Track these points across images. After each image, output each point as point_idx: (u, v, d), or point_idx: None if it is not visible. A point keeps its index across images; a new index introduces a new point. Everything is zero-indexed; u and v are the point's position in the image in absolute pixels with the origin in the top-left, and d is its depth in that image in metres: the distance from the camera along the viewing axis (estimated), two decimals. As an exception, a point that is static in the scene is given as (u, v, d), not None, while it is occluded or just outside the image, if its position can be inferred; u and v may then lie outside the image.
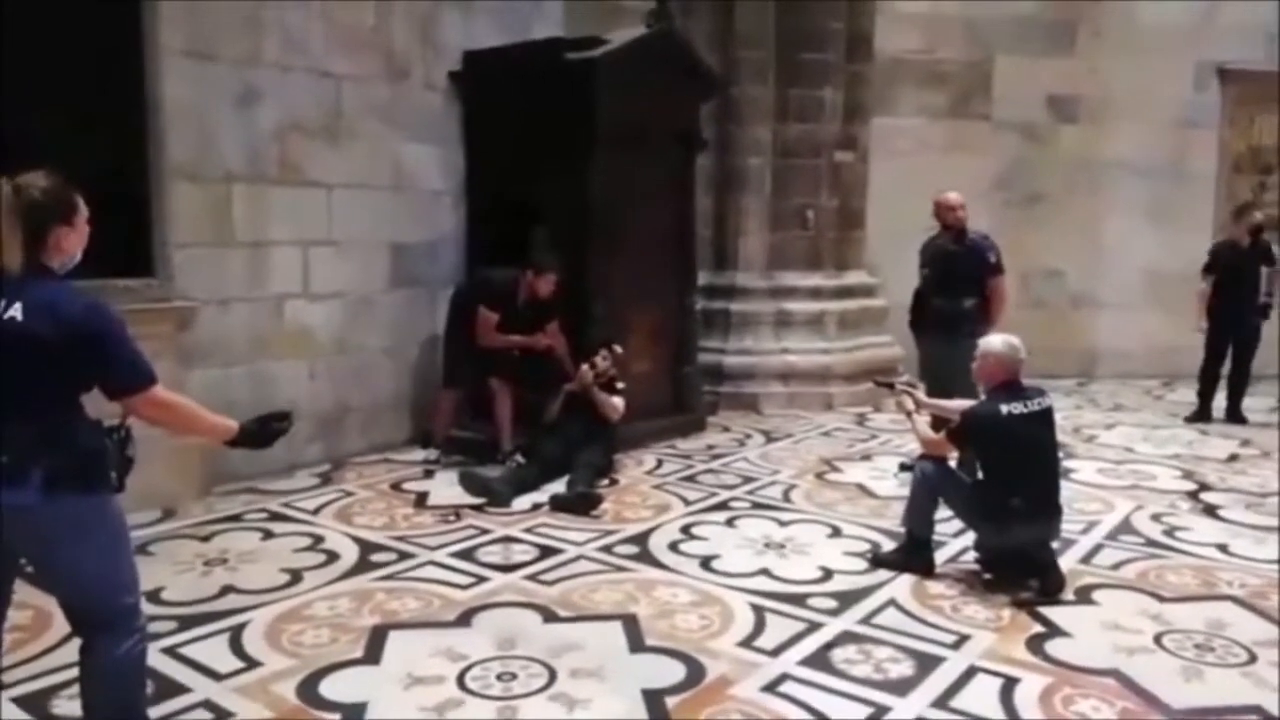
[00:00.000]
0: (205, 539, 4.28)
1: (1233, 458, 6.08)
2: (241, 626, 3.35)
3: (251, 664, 3.09)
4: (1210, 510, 4.95)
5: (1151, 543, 4.42)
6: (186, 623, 3.37)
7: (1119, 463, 5.91)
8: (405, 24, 5.85)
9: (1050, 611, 3.57)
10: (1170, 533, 4.56)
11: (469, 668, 3.06)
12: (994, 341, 3.82)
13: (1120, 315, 8.95)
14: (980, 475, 3.88)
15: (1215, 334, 6.99)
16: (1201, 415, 7.11)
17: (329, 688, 2.93)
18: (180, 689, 2.91)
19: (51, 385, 2.08)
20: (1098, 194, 8.88)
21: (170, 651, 3.15)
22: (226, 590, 3.69)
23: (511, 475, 5.05)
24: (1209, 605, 3.68)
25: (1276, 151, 9.08)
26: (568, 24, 6.59)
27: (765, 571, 3.97)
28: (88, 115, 4.33)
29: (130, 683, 2.28)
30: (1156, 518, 4.78)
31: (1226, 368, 7.10)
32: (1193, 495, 5.21)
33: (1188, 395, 7.46)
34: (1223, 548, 4.34)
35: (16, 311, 2.03)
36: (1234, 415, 7.03)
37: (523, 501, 4.86)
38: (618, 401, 5.46)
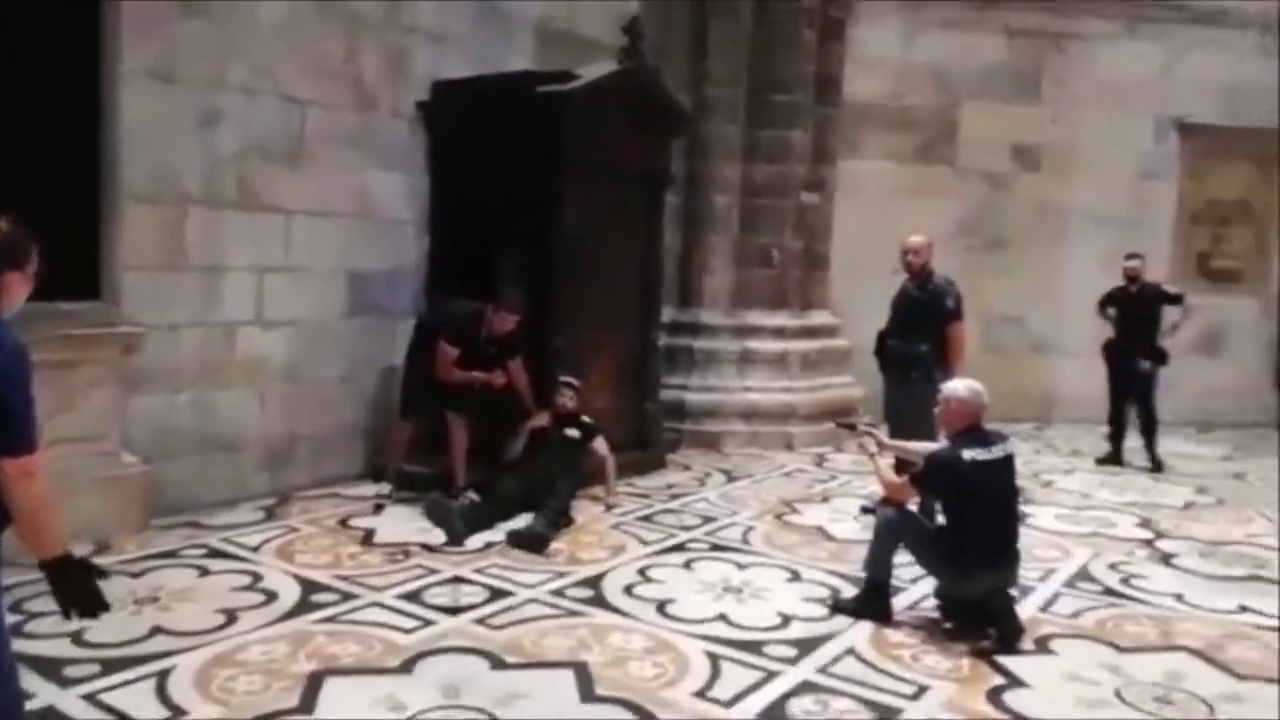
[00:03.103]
0: (137, 575, 4.09)
1: (1188, 505, 6.10)
2: (169, 671, 3.18)
3: (177, 712, 2.93)
4: (1166, 559, 4.93)
5: (1109, 591, 4.40)
6: (110, 666, 3.20)
7: (1077, 509, 5.90)
8: (376, 54, 5.78)
9: (1010, 662, 3.51)
10: (1127, 580, 4.53)
11: (410, 719, 2.92)
12: (957, 386, 3.79)
13: (1078, 361, 9.01)
14: (941, 520, 3.83)
15: (1113, 377, 7.10)
16: (1111, 458, 7.15)
17: (258, 739, 2.79)
18: (99, 738, 2.75)
19: None
20: (1058, 242, 8.99)
21: (90, 698, 2.99)
22: (156, 631, 3.51)
23: (468, 513, 4.92)
24: (1167, 656, 3.65)
25: (1232, 204, 9.27)
26: (539, 58, 6.58)
27: (723, 617, 3.88)
28: (42, 131, 4.20)
29: None
30: (1114, 566, 4.76)
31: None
32: (1148, 543, 5.20)
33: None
34: (1179, 597, 4.32)
35: None
36: (1151, 461, 7.03)
37: (475, 540, 4.72)
38: (599, 446, 5.48)
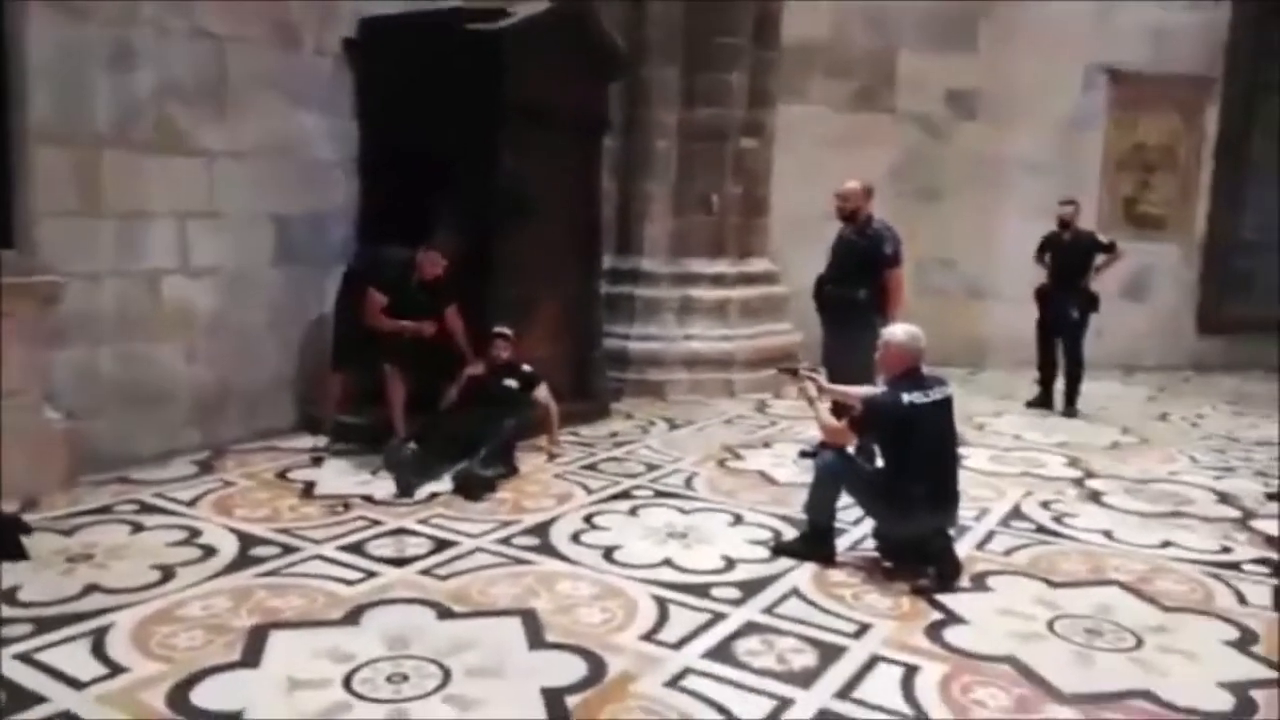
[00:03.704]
0: (69, 533, 3.95)
1: (1114, 445, 6.31)
2: (106, 629, 3.10)
3: (116, 670, 2.85)
4: (1095, 496, 5.10)
5: (1042, 529, 4.53)
6: (44, 625, 3.10)
7: (1008, 450, 6.06)
8: (297, -14, 5.54)
9: (948, 599, 3.60)
10: (1059, 519, 4.68)
11: (357, 669, 2.90)
12: (895, 331, 3.83)
13: (1012, 307, 9.20)
14: (879, 463, 3.89)
15: (1043, 322, 7.27)
16: (1040, 401, 7.34)
17: (202, 695, 2.73)
18: (36, 699, 2.67)
19: None
20: (993, 187, 9.09)
21: (25, 658, 2.90)
22: (90, 589, 3.41)
23: (415, 464, 4.84)
24: (1097, 590, 3.78)
25: (1158, 150, 9.48)
26: (470, -6, 6.36)
27: (668, 562, 3.90)
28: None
29: None
30: (1045, 504, 4.90)
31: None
32: (1078, 482, 5.37)
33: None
34: (1108, 534, 4.47)
35: None
36: (1069, 407, 7.16)
37: (420, 491, 4.67)
38: (541, 394, 5.43)
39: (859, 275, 5.31)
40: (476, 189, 5.49)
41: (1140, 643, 3.30)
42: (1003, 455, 5.91)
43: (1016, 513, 4.76)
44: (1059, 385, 7.31)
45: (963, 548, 4.11)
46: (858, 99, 8.92)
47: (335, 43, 5.78)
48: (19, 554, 2.10)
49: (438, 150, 5.49)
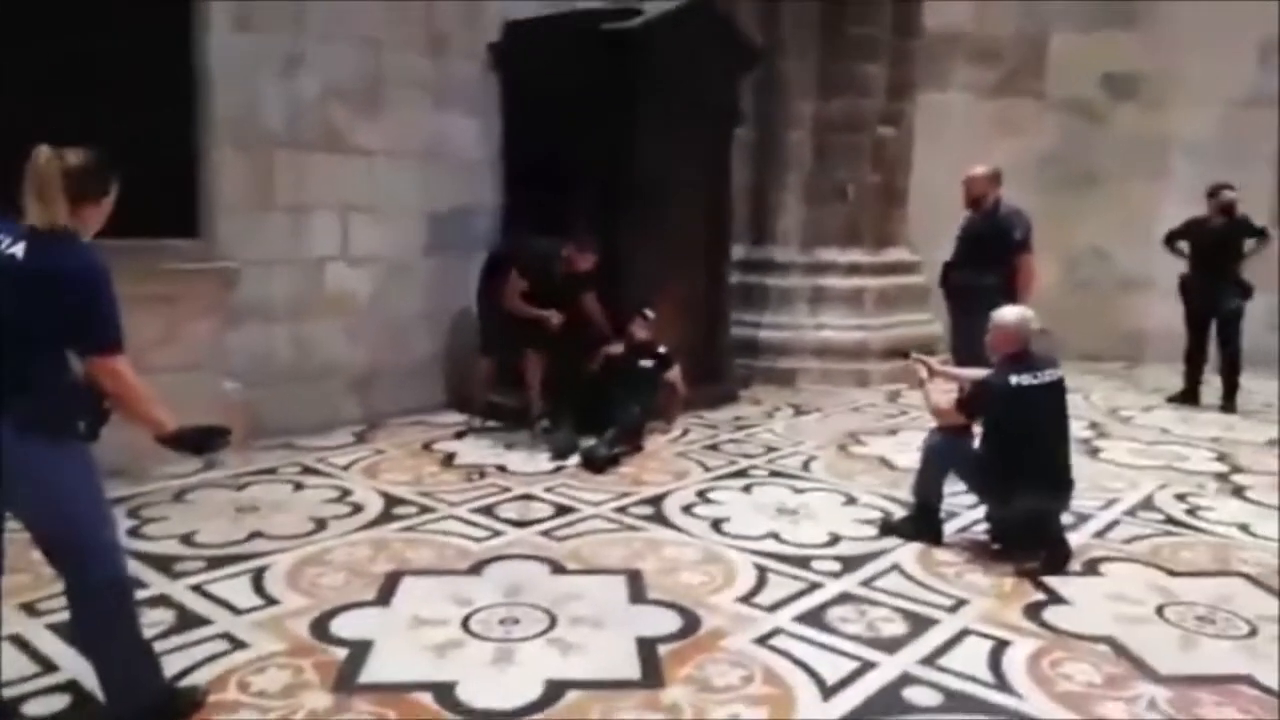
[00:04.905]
0: (240, 488, 4.49)
1: (1271, 442, 5.94)
2: (264, 568, 3.54)
3: (270, 601, 3.27)
4: (1239, 491, 4.87)
5: (1171, 520, 4.38)
6: (214, 563, 3.57)
7: (1152, 443, 5.83)
8: (448, -5, 5.98)
9: (1054, 581, 3.58)
10: (1193, 511, 4.51)
11: (474, 612, 3.20)
12: (1006, 313, 3.81)
13: (1171, 299, 8.72)
14: (980, 445, 3.87)
15: (1191, 315, 6.85)
16: (1185, 397, 6.94)
17: (339, 626, 3.09)
18: (202, 620, 3.10)
19: (34, 329, 2.16)
20: (1152, 175, 8.65)
21: (196, 589, 3.35)
22: (254, 535, 3.88)
23: (566, 437, 5.20)
24: (1219, 580, 3.66)
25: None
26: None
27: (774, 535, 4.04)
28: (139, 83, 4.52)
29: (116, 612, 2.36)
30: (1181, 497, 4.73)
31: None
32: (1223, 477, 5.12)
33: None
34: (1244, 527, 4.29)
35: (18, 250, 2.16)
36: (1227, 404, 6.74)
37: (545, 463, 5.00)
38: (673, 375, 5.73)
39: (986, 261, 5.27)
40: (608, 183, 5.75)
41: (1254, 631, 3.21)
42: (1145, 449, 5.70)
43: (1147, 503, 4.62)
44: (1214, 381, 6.91)
45: (1081, 535, 4.06)
46: (1004, 84, 8.70)
47: (482, 47, 6.19)
48: (217, 434, 2.49)
49: (575, 146, 5.81)
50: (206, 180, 4.93)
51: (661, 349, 5.70)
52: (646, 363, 5.62)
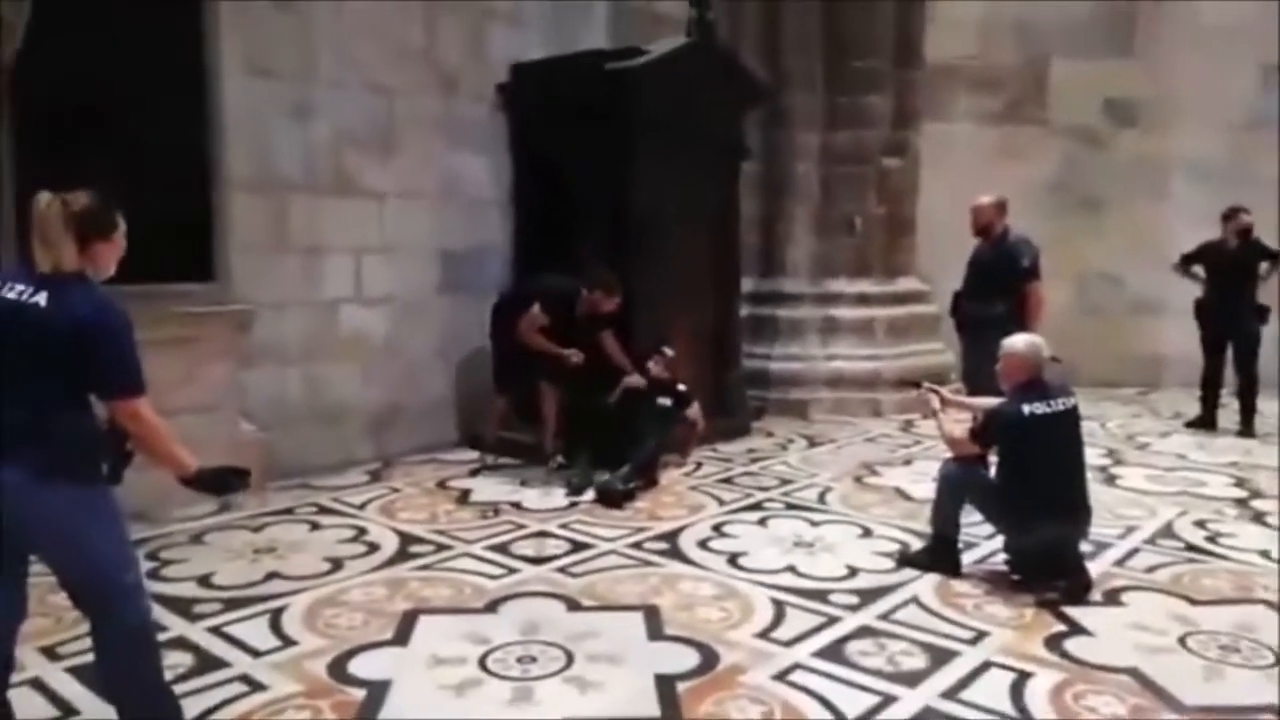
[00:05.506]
0: (257, 530, 4.51)
1: (1291, 466, 5.90)
2: (282, 609, 3.54)
3: (288, 643, 3.27)
4: (1258, 517, 4.83)
5: (1191, 548, 4.35)
6: (231, 604, 3.58)
7: (1169, 470, 5.79)
8: (455, 38, 6.08)
9: (1075, 611, 3.55)
10: (1213, 539, 4.47)
11: (491, 651, 3.19)
12: (1016, 342, 3.82)
13: (1186, 322, 8.71)
14: (995, 474, 3.86)
15: (1208, 339, 6.83)
16: (1203, 422, 6.90)
17: (357, 666, 3.09)
18: (220, 663, 3.10)
19: (56, 375, 2.20)
20: (1158, 198, 8.69)
21: (215, 630, 3.35)
22: (271, 576, 3.89)
23: (582, 472, 5.22)
24: (1241, 609, 3.63)
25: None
26: (614, 35, 6.76)
27: (791, 568, 4.03)
28: (153, 128, 4.60)
29: (141, 655, 2.38)
30: (1200, 524, 4.69)
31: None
32: (1242, 502, 5.09)
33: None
34: (1265, 554, 4.25)
35: (41, 299, 2.21)
36: (1245, 428, 6.71)
37: (559, 500, 5.00)
38: (693, 412, 5.74)
39: (995, 290, 5.28)
40: (614, 220, 5.80)
41: (1279, 660, 3.17)
42: (1162, 475, 5.67)
43: (1167, 531, 4.58)
44: (1231, 405, 6.88)
45: (1100, 564, 4.03)
46: (1007, 113, 8.77)
47: (490, 88, 6.28)
48: (236, 476, 2.52)
49: (582, 185, 5.89)
50: (221, 224, 4.99)
51: (681, 386, 5.72)
52: (665, 400, 5.63)
